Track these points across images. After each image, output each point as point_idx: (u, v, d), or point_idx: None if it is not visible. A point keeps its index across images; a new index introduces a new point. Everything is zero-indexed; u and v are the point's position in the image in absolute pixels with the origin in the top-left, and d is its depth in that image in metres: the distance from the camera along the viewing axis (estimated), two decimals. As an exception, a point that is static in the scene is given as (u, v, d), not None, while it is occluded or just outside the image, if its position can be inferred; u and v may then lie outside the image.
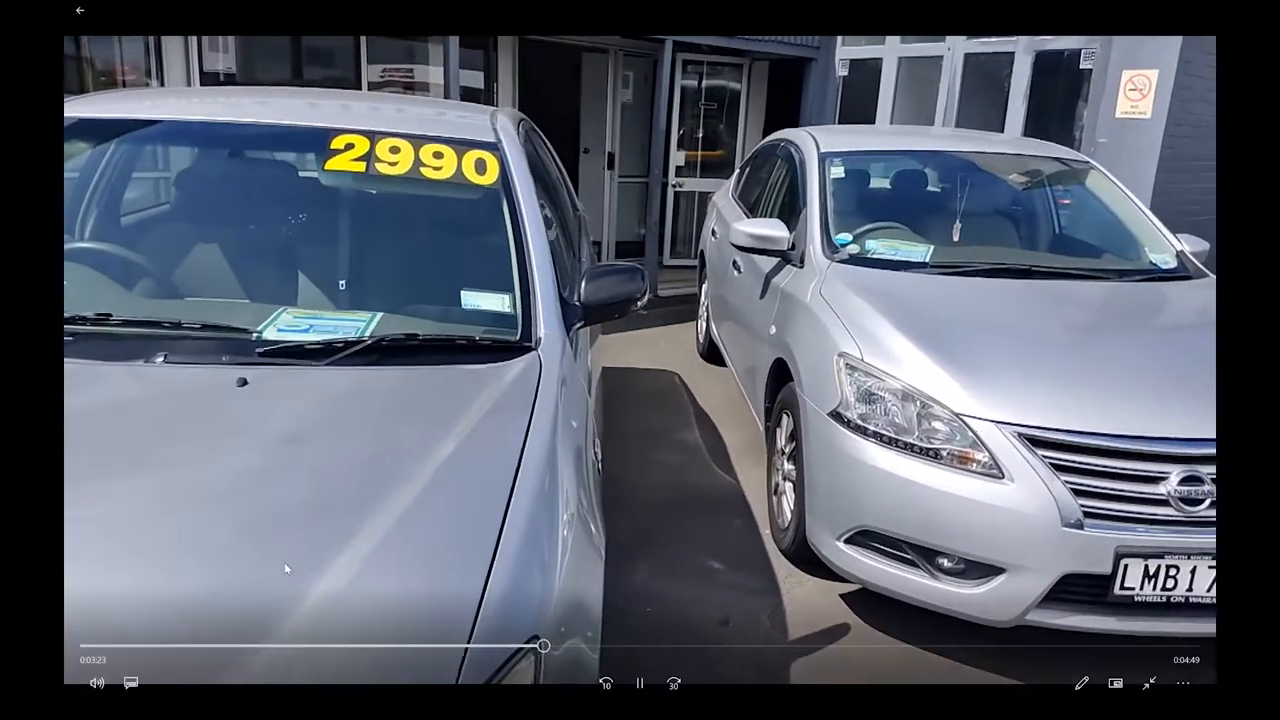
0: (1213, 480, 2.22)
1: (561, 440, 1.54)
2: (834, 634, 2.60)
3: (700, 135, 8.33)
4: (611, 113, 7.84)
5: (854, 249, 3.27)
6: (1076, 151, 3.93)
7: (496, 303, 1.89)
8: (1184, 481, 2.22)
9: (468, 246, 2.12)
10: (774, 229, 3.40)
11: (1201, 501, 2.21)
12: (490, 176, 2.14)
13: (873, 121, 7.36)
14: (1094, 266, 3.33)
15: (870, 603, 2.66)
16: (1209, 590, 2.22)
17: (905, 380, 2.46)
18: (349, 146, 2.09)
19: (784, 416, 3.03)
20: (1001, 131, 6.50)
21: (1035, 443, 2.28)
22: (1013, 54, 6.42)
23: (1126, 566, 2.21)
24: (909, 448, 2.39)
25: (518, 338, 1.84)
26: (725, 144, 8.19)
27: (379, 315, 1.85)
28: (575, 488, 1.51)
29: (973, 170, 3.83)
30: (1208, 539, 2.21)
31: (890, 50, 7.24)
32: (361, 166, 2.06)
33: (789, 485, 2.94)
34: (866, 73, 7.46)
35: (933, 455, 2.36)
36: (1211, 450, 2.25)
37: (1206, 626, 2.25)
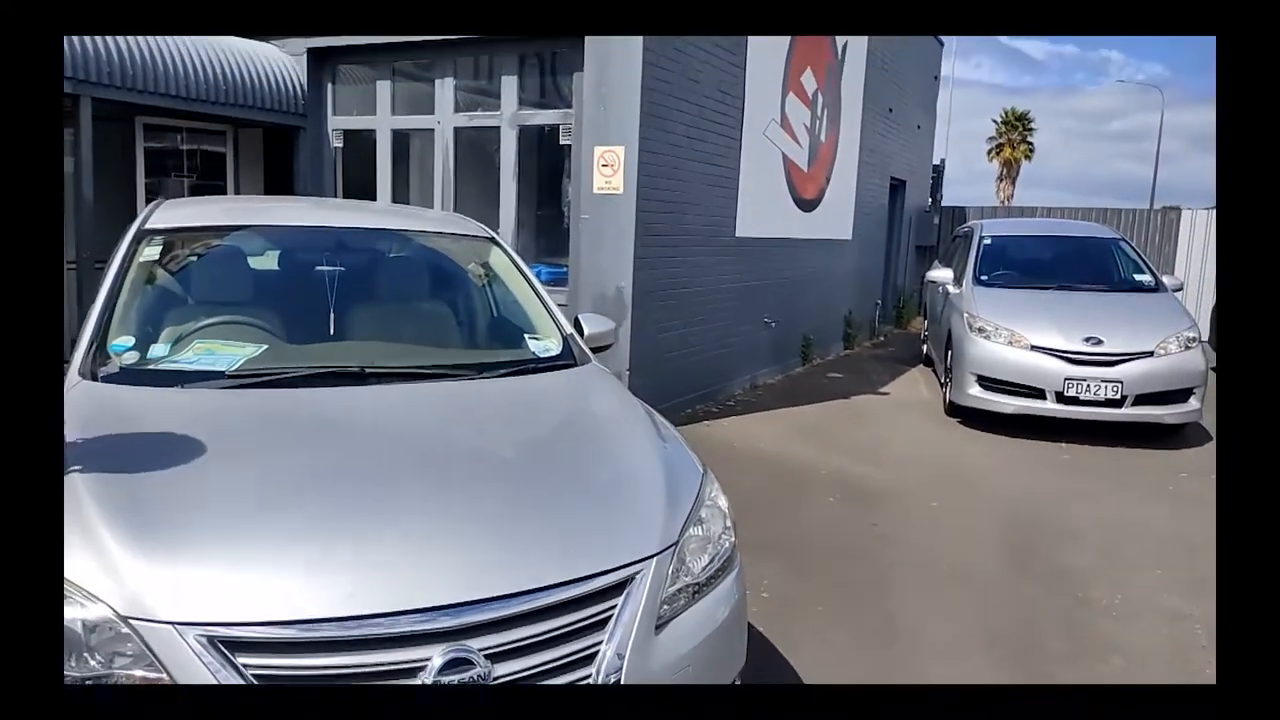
0: (488, 656, 1.65)
1: None
2: None
3: (188, 210, 7.09)
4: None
5: (132, 358, 2.40)
6: (482, 226, 3.48)
7: None
8: (447, 667, 1.62)
9: None
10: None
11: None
12: None
13: (373, 195, 6.72)
14: (456, 361, 2.80)
15: None
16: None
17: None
18: None
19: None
20: (496, 206, 6.20)
21: (234, 648, 1.55)
22: (499, 128, 6.18)
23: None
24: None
25: None
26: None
27: None
28: None
29: (357, 249, 3.19)
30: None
31: (383, 122, 6.69)
32: None
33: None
34: (365, 144, 6.84)
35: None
36: (489, 615, 1.69)
37: None
